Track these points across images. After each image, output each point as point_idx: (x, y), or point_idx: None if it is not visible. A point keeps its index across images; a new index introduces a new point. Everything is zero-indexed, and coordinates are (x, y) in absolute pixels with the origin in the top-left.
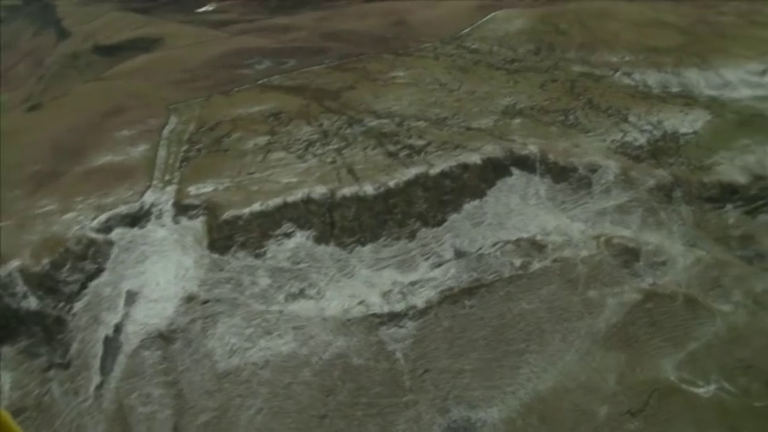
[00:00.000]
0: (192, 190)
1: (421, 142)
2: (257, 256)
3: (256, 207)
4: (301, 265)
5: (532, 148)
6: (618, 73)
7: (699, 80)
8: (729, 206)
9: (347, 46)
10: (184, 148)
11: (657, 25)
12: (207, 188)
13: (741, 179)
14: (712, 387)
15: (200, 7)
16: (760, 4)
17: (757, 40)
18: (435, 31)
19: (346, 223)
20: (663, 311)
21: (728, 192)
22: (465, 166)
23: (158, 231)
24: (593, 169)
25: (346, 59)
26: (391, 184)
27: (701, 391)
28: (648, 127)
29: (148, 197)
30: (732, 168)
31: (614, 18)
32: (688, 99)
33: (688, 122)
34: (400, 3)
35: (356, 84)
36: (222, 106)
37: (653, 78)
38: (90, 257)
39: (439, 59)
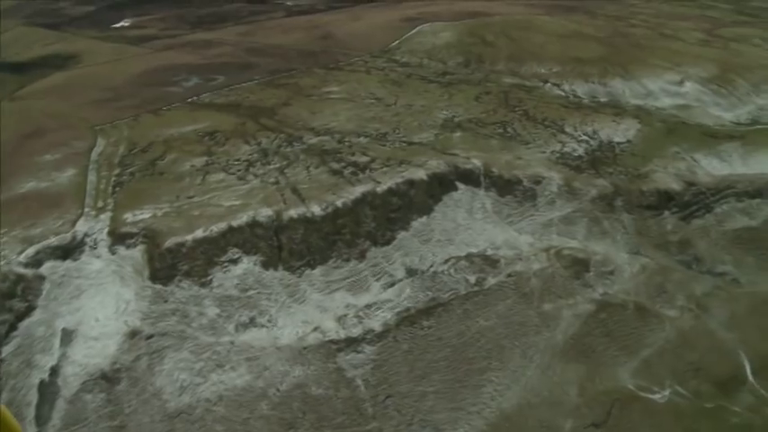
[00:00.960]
0: (129, 217)
1: (364, 159)
2: (203, 284)
3: (199, 233)
4: (250, 293)
5: (476, 162)
6: (548, 84)
7: (624, 90)
8: (666, 213)
9: (276, 61)
10: (116, 171)
11: (579, 37)
12: (144, 214)
13: (675, 186)
14: (667, 392)
15: (116, 22)
16: (664, 18)
17: (670, 52)
18: (363, 45)
19: (294, 246)
20: (616, 321)
21: (665, 199)
22: (411, 183)
23: (94, 263)
24: (537, 181)
25: (277, 75)
26: (338, 203)
27: (657, 396)
28: (585, 137)
29: (81, 226)
30: (666, 176)
31: (538, 30)
32: (617, 108)
33: (621, 132)
34: (323, 16)
35: (290, 100)
36: (152, 126)
37: (582, 89)
38: (19, 295)
39: (371, 73)
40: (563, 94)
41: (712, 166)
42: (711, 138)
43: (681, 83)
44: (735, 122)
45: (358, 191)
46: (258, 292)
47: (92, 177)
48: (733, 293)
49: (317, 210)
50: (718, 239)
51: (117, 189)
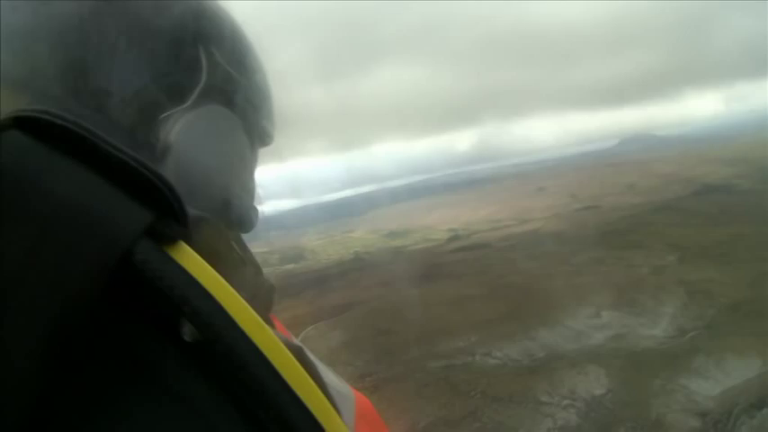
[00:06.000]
0: None
1: None
2: None
3: None
4: None
5: None
6: (477, 355)
7: (555, 338)
8: None
9: None
10: None
11: (468, 300)
12: None
13: (694, 422)
14: None
15: None
16: (524, 264)
17: (559, 289)
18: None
19: None
20: None
21: None
22: None
23: None
24: None
25: None
26: None
27: None
28: (567, 401)
29: None
30: (678, 415)
31: (426, 304)
32: (564, 359)
33: (594, 382)
34: None
35: None
36: None
37: (514, 350)
38: None
39: None
40: (500, 361)
41: (703, 388)
42: (676, 359)
43: (598, 315)
44: (668, 336)
45: None
46: None
47: None
48: None
49: None
50: None
51: None
